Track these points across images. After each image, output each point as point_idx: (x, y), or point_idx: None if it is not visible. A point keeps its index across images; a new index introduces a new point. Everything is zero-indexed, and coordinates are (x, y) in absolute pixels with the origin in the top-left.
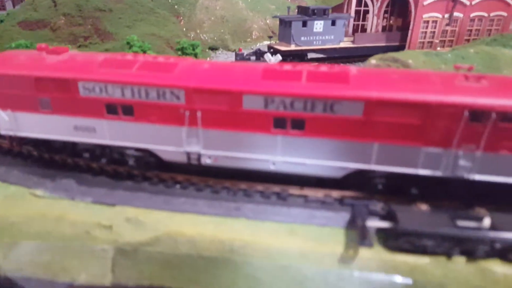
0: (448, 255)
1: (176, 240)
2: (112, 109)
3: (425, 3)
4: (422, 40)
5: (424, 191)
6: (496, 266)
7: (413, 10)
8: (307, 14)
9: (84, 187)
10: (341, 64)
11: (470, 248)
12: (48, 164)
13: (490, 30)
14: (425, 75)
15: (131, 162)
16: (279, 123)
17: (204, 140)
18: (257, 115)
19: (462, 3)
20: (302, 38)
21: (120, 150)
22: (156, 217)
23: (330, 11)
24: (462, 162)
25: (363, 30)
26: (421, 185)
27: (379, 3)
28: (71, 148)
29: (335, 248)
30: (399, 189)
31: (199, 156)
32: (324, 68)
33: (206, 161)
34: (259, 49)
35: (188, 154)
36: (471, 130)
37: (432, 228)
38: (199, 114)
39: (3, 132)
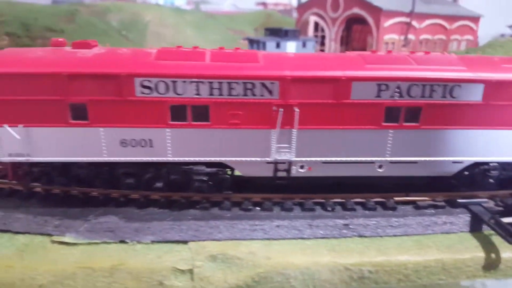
0: None
1: (288, 276)
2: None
3: (385, 25)
4: None
5: None
6: None
7: (374, 32)
8: (279, 35)
9: (135, 224)
10: None
11: None
12: (61, 200)
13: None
14: None
15: (197, 183)
16: (392, 115)
17: (299, 145)
18: (366, 107)
19: (413, 26)
20: None
21: (185, 168)
22: (248, 249)
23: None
24: None
25: None
26: None
27: (335, 28)
28: (108, 174)
29: (476, 255)
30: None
31: (289, 165)
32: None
33: (298, 171)
34: None
35: (276, 165)
36: None
37: None
38: (296, 110)
39: (6, 159)
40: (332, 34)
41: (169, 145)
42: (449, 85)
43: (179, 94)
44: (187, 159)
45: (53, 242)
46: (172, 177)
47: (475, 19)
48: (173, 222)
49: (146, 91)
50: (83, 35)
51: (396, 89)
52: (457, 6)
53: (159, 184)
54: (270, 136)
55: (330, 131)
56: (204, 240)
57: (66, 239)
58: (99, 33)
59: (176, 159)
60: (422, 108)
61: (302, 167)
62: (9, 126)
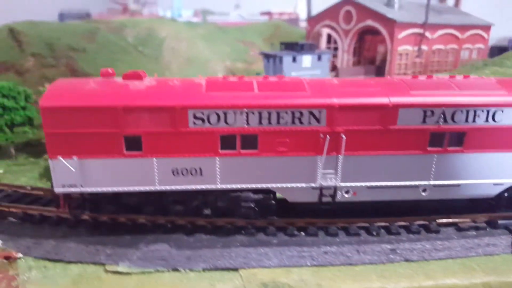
0: None
1: None
2: (229, 143)
3: (399, 36)
4: (398, 72)
5: None
6: None
7: (388, 44)
8: (295, 49)
9: (186, 251)
10: None
11: None
12: (109, 227)
13: (446, 61)
14: None
15: (244, 209)
16: (436, 140)
17: (344, 170)
18: (411, 132)
19: (426, 37)
20: (293, 73)
21: (233, 195)
22: (299, 276)
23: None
24: None
25: (333, 66)
26: None
27: (348, 40)
28: (156, 201)
29: None
30: None
31: (334, 191)
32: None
33: (343, 196)
34: None
35: (321, 191)
36: None
37: None
38: (343, 137)
39: (59, 190)
40: (345, 45)
41: (218, 173)
42: (492, 110)
43: (229, 124)
44: (235, 186)
45: (107, 271)
46: (219, 203)
47: (487, 27)
48: (222, 249)
49: (199, 122)
50: (104, 53)
51: (441, 115)
52: (468, 15)
53: (207, 211)
54: (316, 162)
55: (375, 157)
56: (254, 268)
57: (120, 268)
58: (118, 51)
59: (224, 186)
60: (466, 132)
61: (347, 192)
62: (63, 158)
